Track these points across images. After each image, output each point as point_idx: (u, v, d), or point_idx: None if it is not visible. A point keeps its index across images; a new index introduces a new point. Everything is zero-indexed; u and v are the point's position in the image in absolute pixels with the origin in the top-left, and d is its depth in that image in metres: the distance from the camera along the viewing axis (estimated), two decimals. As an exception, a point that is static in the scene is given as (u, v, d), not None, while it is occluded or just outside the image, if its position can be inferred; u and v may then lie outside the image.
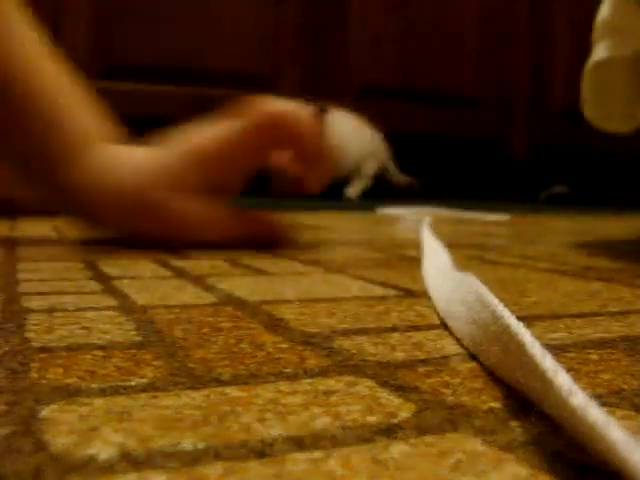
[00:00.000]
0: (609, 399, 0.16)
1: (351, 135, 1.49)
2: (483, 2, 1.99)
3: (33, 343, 0.20)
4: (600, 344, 0.22)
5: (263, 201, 1.19)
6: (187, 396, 0.16)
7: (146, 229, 0.49)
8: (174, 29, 1.63)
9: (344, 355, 0.20)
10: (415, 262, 0.43)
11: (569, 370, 0.19)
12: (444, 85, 1.94)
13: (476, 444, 0.13)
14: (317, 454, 0.13)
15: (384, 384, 0.17)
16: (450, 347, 0.21)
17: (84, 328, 0.23)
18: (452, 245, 0.55)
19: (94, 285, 0.31)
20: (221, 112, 0.49)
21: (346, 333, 0.23)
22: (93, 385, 0.17)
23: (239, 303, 0.28)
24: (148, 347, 0.20)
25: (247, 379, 0.17)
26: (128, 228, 0.49)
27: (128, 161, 0.49)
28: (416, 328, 0.24)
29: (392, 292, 0.32)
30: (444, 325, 0.24)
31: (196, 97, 1.63)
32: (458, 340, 0.22)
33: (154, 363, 0.19)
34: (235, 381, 0.17)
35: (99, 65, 1.58)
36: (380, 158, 1.59)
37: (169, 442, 0.13)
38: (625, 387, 0.17)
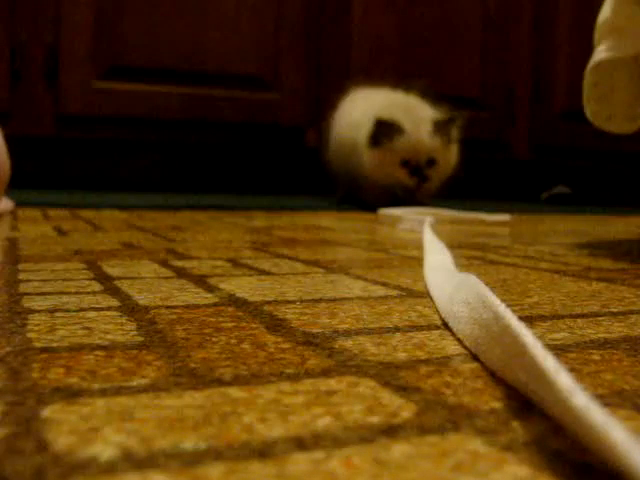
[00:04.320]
0: (611, 399, 0.16)
1: None
2: (485, 2, 1.98)
3: (35, 343, 0.20)
4: (602, 344, 0.22)
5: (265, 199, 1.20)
6: (189, 396, 0.16)
7: None
8: (174, 29, 1.64)
9: (345, 355, 0.20)
10: (416, 262, 0.43)
11: (571, 370, 0.19)
12: (445, 85, 1.93)
13: (477, 444, 0.13)
14: (318, 454, 0.13)
15: (385, 384, 0.17)
16: (451, 347, 0.21)
17: (86, 328, 0.23)
18: (453, 245, 0.55)
19: (95, 285, 0.31)
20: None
21: (347, 333, 0.23)
22: (95, 385, 0.17)
23: (240, 303, 0.28)
24: (150, 347, 0.20)
25: (248, 379, 0.17)
26: None
27: None
28: (417, 328, 0.24)
29: (393, 292, 0.32)
30: (445, 325, 0.24)
31: (196, 97, 1.63)
32: (459, 340, 0.22)
33: (156, 363, 0.19)
34: (236, 381, 0.17)
35: (99, 65, 1.58)
36: None
37: (170, 442, 0.13)
38: (627, 387, 0.17)
